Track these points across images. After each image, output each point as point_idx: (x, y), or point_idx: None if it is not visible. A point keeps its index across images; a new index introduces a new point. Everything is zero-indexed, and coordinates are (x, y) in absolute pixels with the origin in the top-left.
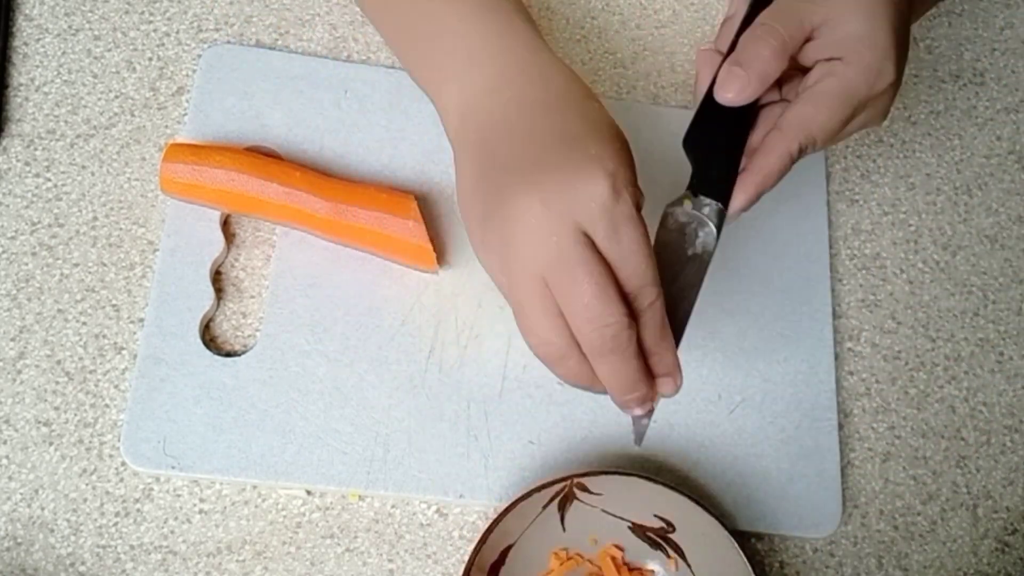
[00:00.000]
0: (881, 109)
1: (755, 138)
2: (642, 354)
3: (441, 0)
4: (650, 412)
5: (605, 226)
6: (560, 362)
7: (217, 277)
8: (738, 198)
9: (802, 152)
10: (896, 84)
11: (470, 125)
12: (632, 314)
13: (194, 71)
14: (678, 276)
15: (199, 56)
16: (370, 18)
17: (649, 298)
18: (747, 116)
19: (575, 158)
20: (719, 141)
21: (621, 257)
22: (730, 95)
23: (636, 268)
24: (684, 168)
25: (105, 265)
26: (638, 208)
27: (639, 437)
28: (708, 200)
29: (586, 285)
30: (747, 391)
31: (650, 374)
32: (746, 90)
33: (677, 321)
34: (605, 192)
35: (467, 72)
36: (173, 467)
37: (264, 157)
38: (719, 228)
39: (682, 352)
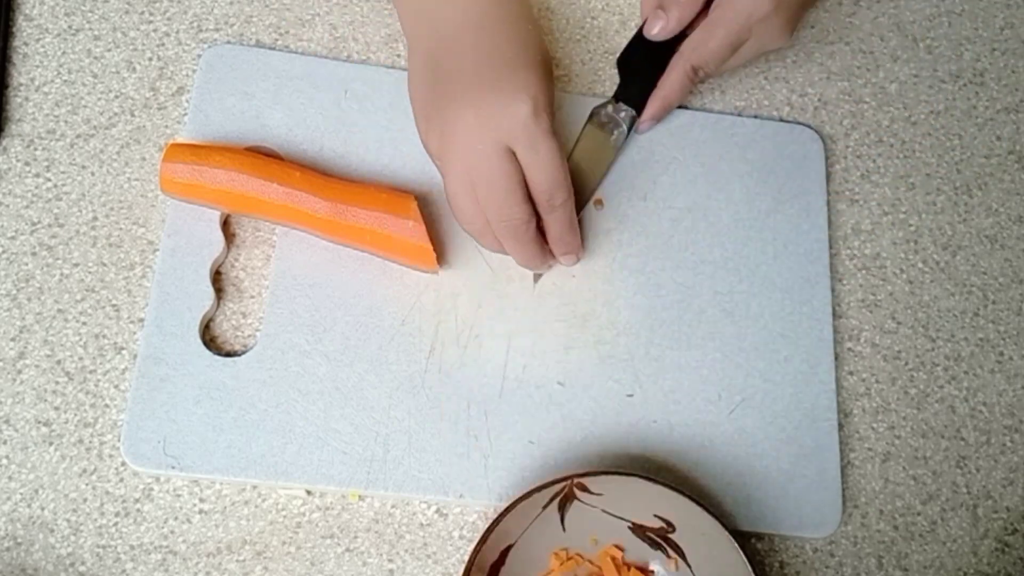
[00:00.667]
0: (774, 30)
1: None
2: (549, 235)
3: None
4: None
5: (525, 140)
6: (480, 236)
7: (217, 277)
8: (648, 109)
9: (697, 72)
10: (783, 7)
11: (425, 30)
12: (543, 210)
13: (194, 71)
14: (598, 151)
15: (199, 56)
16: None
17: (560, 198)
18: (668, 48)
19: (506, 82)
20: (643, 65)
21: (537, 165)
22: (654, 32)
23: (549, 174)
24: (684, 165)
25: (105, 265)
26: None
27: (535, 278)
28: (625, 107)
29: (498, 187)
30: (747, 391)
31: (552, 251)
32: (666, 29)
33: (593, 184)
34: (528, 113)
35: None
36: (173, 467)
37: (264, 157)
38: (629, 130)
39: (682, 351)
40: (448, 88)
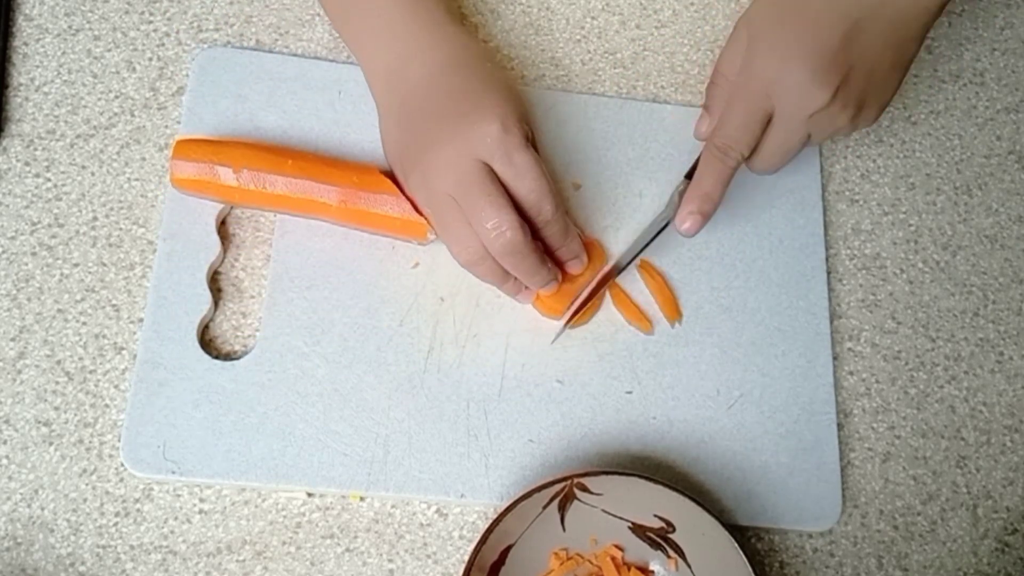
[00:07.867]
0: (824, 124)
1: None
2: (550, 248)
3: None
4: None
5: (500, 155)
6: (479, 262)
7: (215, 278)
8: (686, 204)
9: (726, 152)
10: (835, 102)
11: (395, 88)
12: (538, 223)
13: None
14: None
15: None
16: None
17: (548, 207)
18: None
19: (472, 111)
20: None
21: (516, 176)
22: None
23: (531, 184)
24: (680, 161)
25: (105, 265)
26: (529, 139)
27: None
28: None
29: (482, 201)
30: (745, 386)
31: (557, 260)
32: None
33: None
34: (497, 129)
35: (389, 45)
36: (173, 472)
37: (266, 148)
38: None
39: (680, 348)
40: (420, 133)
